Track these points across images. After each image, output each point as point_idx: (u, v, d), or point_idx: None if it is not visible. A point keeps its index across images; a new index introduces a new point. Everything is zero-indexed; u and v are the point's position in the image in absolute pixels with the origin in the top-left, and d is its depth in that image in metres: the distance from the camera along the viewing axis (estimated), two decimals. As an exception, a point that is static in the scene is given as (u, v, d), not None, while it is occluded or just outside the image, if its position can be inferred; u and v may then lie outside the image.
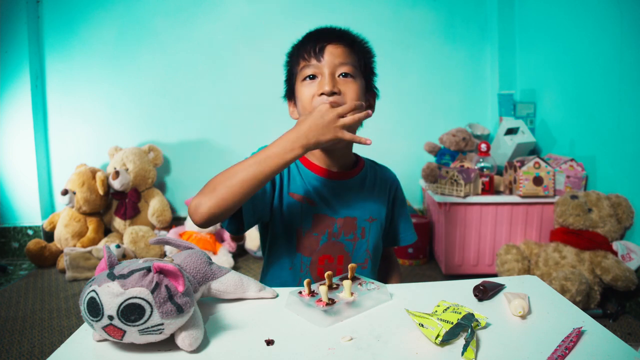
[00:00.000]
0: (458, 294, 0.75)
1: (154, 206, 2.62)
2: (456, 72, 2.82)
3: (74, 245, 2.48)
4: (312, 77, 0.89)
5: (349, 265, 0.76)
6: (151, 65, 2.80)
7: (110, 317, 0.52)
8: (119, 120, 2.83)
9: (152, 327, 0.53)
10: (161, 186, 2.87)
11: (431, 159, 2.68)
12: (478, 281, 0.76)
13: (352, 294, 0.69)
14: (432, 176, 2.38)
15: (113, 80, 2.80)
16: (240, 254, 2.59)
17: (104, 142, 2.80)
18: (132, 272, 0.54)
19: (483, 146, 2.25)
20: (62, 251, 2.45)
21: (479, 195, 2.14)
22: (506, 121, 2.44)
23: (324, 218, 0.94)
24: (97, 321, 0.53)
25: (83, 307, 0.54)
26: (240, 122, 2.85)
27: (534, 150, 2.50)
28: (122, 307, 0.52)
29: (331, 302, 0.67)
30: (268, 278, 0.96)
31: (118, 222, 2.61)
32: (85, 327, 0.64)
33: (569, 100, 2.26)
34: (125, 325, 0.52)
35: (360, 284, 0.74)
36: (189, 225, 2.50)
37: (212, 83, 2.82)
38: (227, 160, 2.86)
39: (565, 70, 2.28)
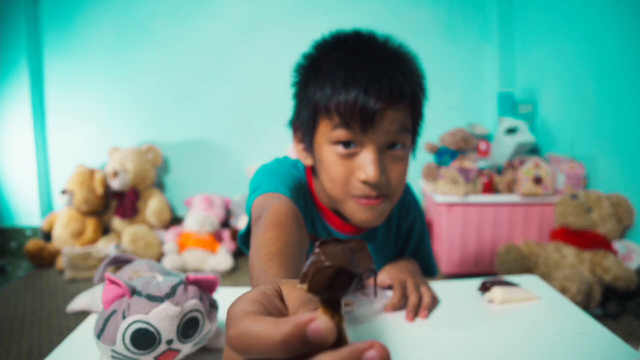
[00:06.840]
0: (458, 293, 0.75)
1: (154, 206, 2.62)
2: (456, 72, 2.82)
3: (73, 246, 2.48)
4: (348, 144, 0.66)
5: None
6: (151, 65, 2.80)
7: (170, 342, 0.48)
8: (118, 120, 2.83)
9: (205, 335, 0.52)
10: (161, 186, 2.87)
11: (431, 159, 2.68)
12: (478, 281, 0.76)
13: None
14: (431, 176, 2.37)
15: (112, 80, 2.80)
16: (240, 254, 2.59)
17: (103, 143, 2.80)
18: (174, 288, 0.50)
19: (483, 146, 2.25)
20: (61, 251, 2.44)
21: (479, 195, 2.13)
22: (506, 121, 2.44)
23: None
24: (150, 352, 0.48)
25: (123, 345, 0.47)
26: (240, 122, 2.85)
27: (534, 150, 2.50)
28: (181, 325, 0.49)
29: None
30: None
31: (117, 222, 2.60)
32: (84, 327, 0.64)
33: (569, 99, 2.26)
34: (184, 344, 0.49)
35: None
36: (188, 226, 2.49)
37: (212, 83, 2.82)
38: (227, 160, 2.88)
39: (565, 69, 2.28)
